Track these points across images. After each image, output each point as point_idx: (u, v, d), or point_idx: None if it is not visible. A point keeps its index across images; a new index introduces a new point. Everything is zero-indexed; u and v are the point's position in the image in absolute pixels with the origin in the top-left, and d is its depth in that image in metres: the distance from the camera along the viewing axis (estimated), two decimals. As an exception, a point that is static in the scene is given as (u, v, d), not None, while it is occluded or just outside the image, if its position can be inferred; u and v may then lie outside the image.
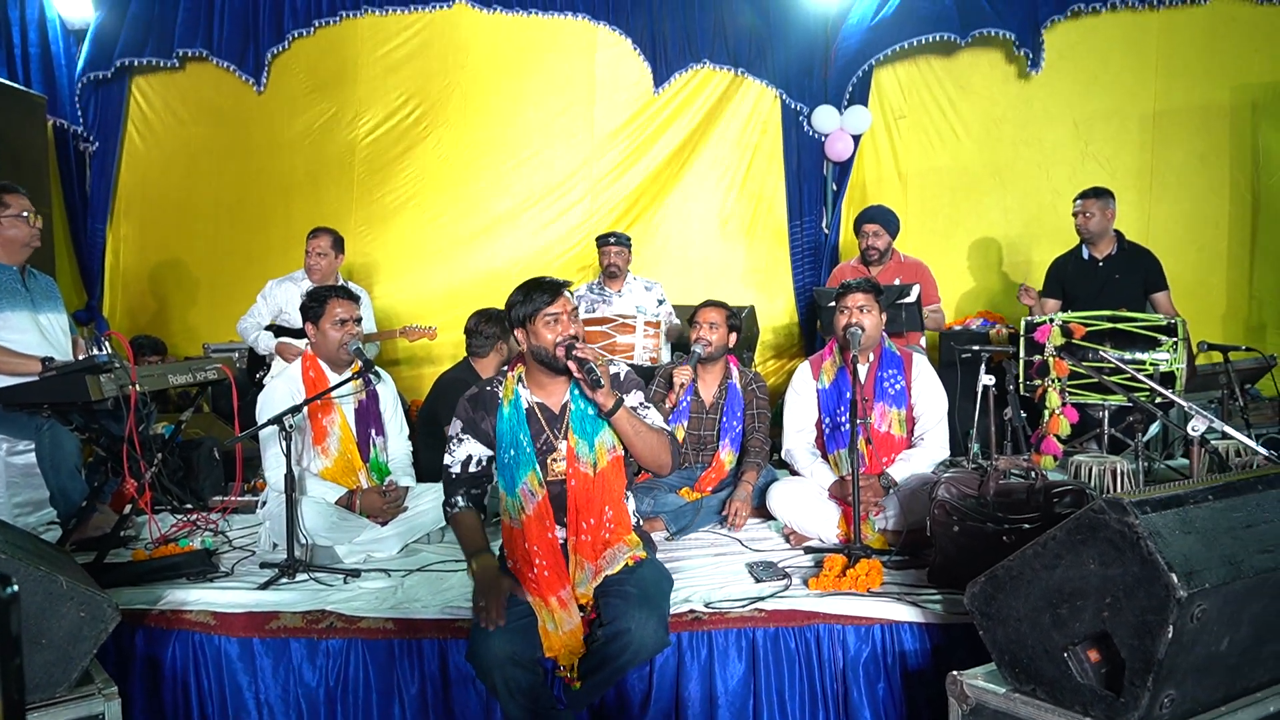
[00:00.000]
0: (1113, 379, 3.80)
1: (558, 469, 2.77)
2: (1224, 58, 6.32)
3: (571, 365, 2.64)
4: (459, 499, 2.86)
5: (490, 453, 2.85)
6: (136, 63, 6.46)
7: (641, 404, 2.89)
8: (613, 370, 2.91)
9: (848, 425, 3.51)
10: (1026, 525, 2.77)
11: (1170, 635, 1.77)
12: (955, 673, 2.20)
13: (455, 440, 2.87)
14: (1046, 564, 1.99)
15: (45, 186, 5.83)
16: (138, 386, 3.44)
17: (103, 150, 6.60)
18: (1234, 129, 6.39)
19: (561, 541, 2.75)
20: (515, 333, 2.79)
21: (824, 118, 6.50)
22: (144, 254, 6.85)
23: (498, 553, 2.87)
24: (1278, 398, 5.11)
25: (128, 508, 3.71)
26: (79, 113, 6.47)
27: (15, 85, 5.75)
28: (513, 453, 2.74)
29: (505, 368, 2.93)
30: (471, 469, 2.86)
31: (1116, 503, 1.85)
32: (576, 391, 2.78)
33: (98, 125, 6.58)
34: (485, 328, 4.27)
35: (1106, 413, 4.34)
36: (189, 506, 4.23)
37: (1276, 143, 6.29)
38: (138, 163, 6.74)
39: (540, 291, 2.73)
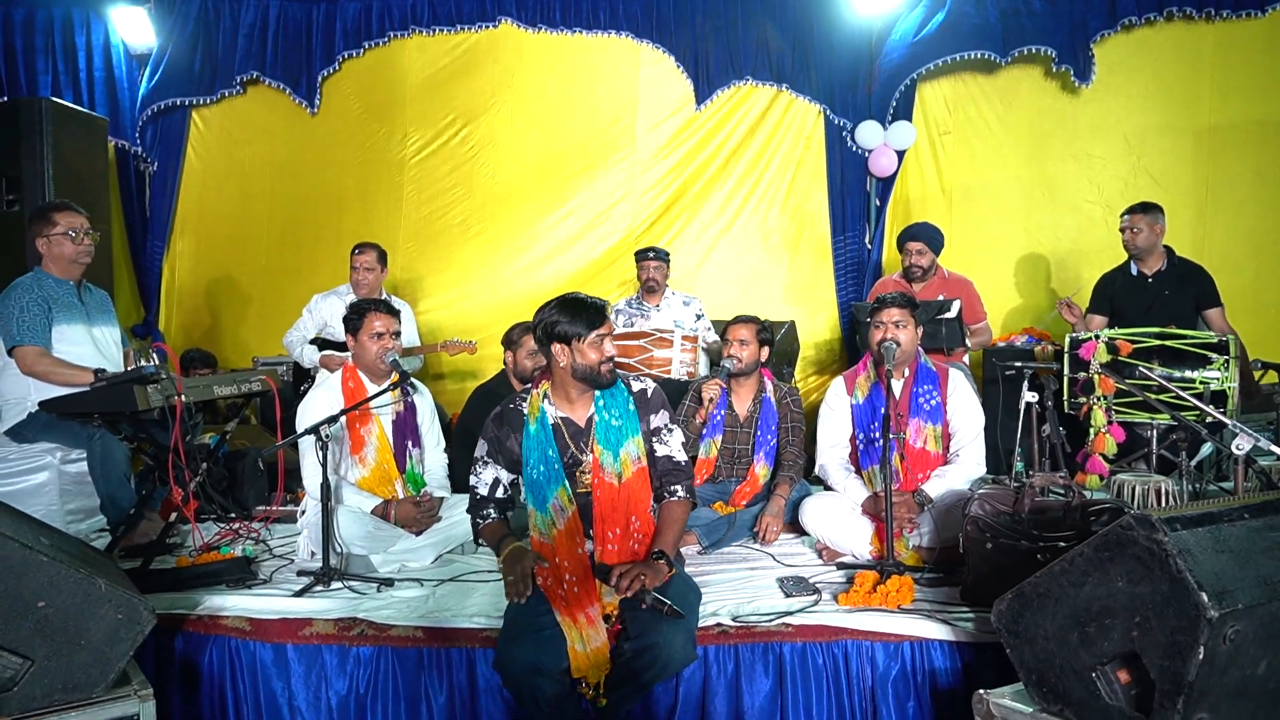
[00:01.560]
0: (1157, 397, 3.71)
1: (585, 481, 2.81)
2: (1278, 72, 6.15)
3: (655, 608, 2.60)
4: (491, 511, 2.93)
5: (513, 476, 2.90)
6: (197, 100, 6.69)
7: (665, 426, 2.93)
8: (637, 387, 2.93)
9: (881, 441, 3.47)
10: (1062, 544, 2.71)
11: (1201, 656, 1.72)
12: (982, 691, 2.16)
13: (481, 463, 2.93)
14: (1074, 581, 1.95)
15: (105, 205, 6.03)
16: (183, 397, 3.54)
17: (162, 171, 6.81)
18: (1290, 143, 6.21)
19: (590, 554, 2.76)
20: (553, 347, 2.81)
21: (867, 133, 6.46)
22: (199, 270, 7.04)
23: None
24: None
25: (173, 516, 3.81)
26: (138, 135, 6.69)
27: (78, 108, 5.96)
28: (542, 469, 2.78)
29: (529, 385, 2.95)
30: (499, 494, 2.93)
31: (1145, 519, 1.81)
32: (602, 402, 2.80)
33: (158, 147, 6.79)
34: (516, 335, 4.31)
35: (1155, 432, 4.23)
36: (232, 515, 4.32)
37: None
38: (194, 183, 6.94)
39: (589, 312, 2.77)
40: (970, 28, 6.22)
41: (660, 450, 2.92)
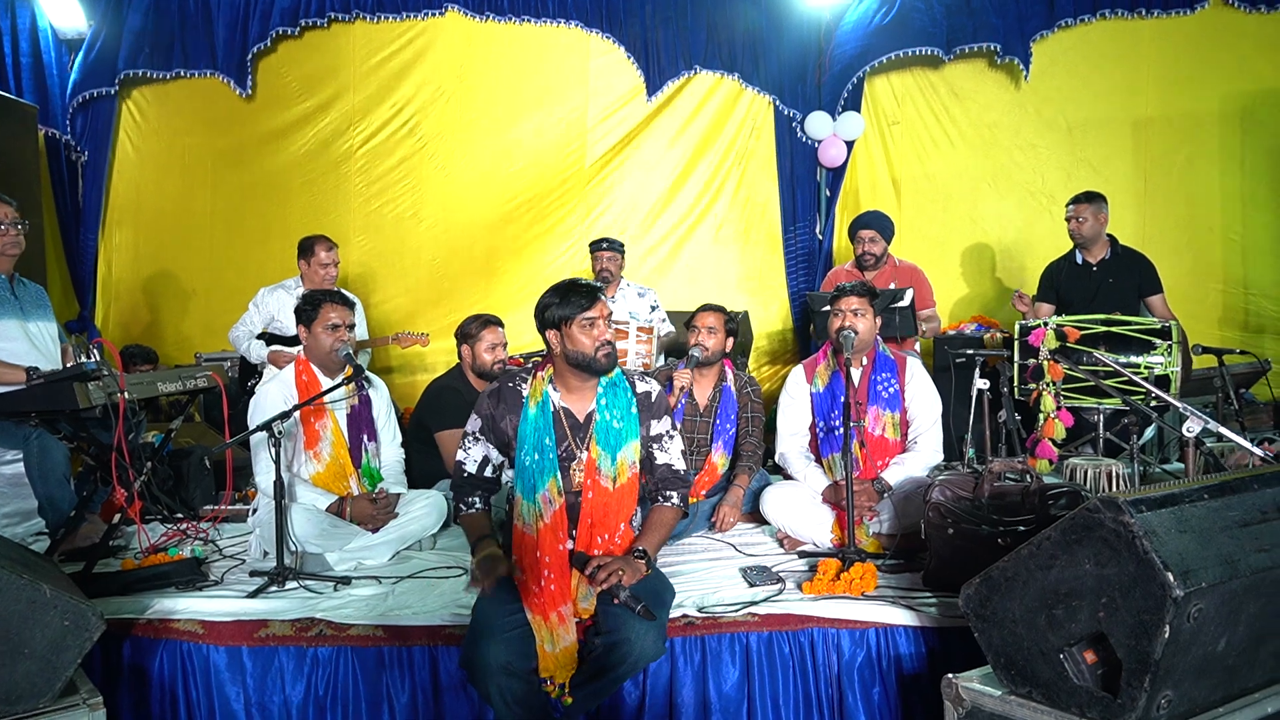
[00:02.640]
0: (1108, 382, 3.78)
1: (577, 479, 2.74)
2: (1214, 65, 6.35)
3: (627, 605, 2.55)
4: (476, 500, 2.83)
5: (503, 458, 2.81)
6: (133, 74, 6.44)
7: (667, 432, 2.89)
8: (642, 389, 2.87)
9: (841, 429, 3.49)
10: (1022, 528, 2.75)
11: (1167, 635, 1.75)
12: (950, 675, 2.18)
13: (471, 438, 2.82)
14: (1041, 564, 1.97)
15: (35, 196, 5.81)
16: (126, 394, 3.41)
17: (94, 160, 6.57)
18: (1223, 135, 6.41)
19: (569, 554, 2.71)
20: (547, 334, 2.76)
21: (817, 124, 6.50)
22: (137, 264, 6.82)
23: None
24: (1273, 402, 5.11)
25: (116, 517, 3.68)
26: (69, 123, 6.45)
27: (4, 94, 5.72)
28: (536, 456, 2.70)
29: (532, 366, 2.89)
30: (488, 473, 2.83)
31: (1111, 502, 1.83)
32: (604, 400, 2.75)
33: (88, 135, 6.55)
34: (474, 329, 4.25)
35: (1101, 416, 4.33)
36: (179, 515, 4.19)
37: (1263, 150, 6.31)
38: (130, 172, 6.72)
39: (578, 295, 2.71)
40: (918, 24, 6.31)
41: (660, 458, 2.87)
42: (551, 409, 2.75)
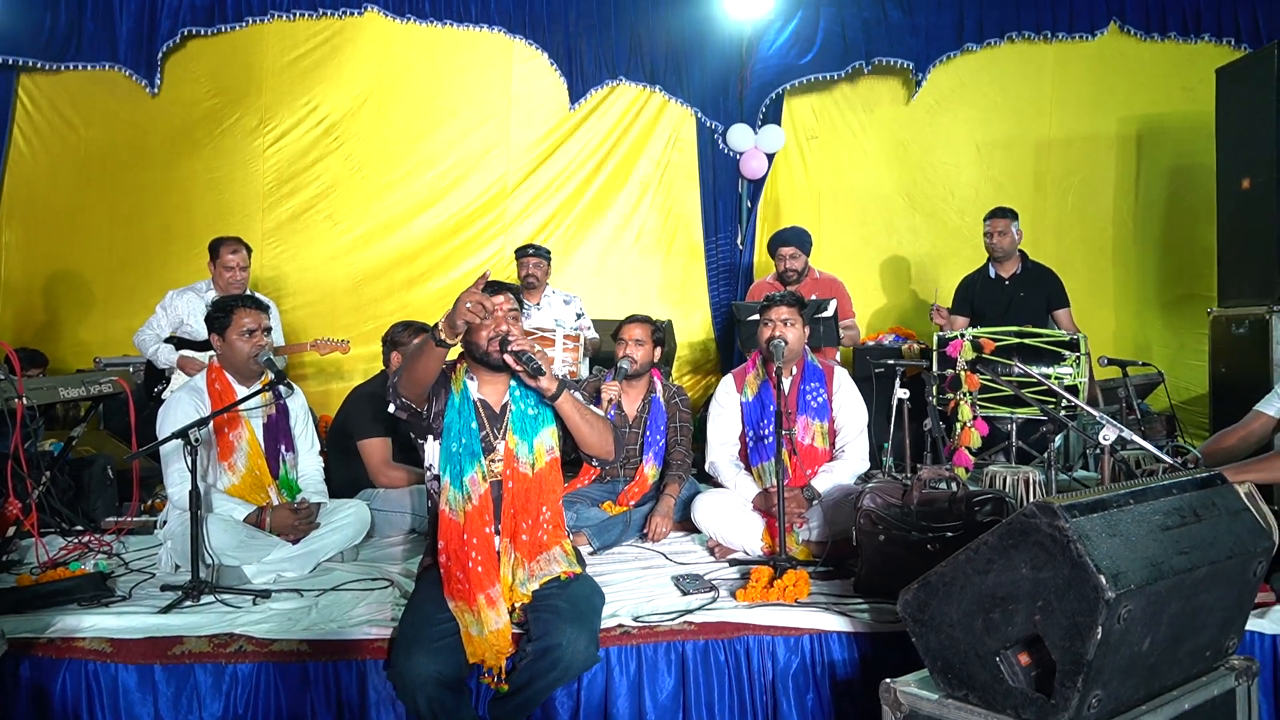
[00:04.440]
0: (1026, 391, 3.92)
1: (495, 469, 2.72)
2: (1112, 90, 6.69)
3: (508, 359, 2.58)
4: None
5: (418, 410, 2.71)
6: (23, 62, 6.09)
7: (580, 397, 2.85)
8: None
9: (771, 438, 3.52)
10: (950, 533, 2.82)
11: (1100, 636, 1.81)
12: (889, 680, 2.20)
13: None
14: (979, 569, 2.02)
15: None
16: (24, 400, 3.22)
17: (-16, 154, 6.21)
18: (1119, 158, 6.75)
19: (495, 542, 2.67)
20: None
21: (739, 136, 6.58)
22: (31, 263, 6.45)
23: (419, 565, 2.78)
24: (1167, 412, 5.38)
25: (11, 530, 3.46)
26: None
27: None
28: (464, 441, 2.67)
29: (454, 361, 2.83)
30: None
31: (1048, 507, 1.89)
32: (517, 392, 2.73)
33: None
34: (405, 338, 4.15)
35: (1014, 425, 4.48)
36: (80, 528, 3.97)
37: (1156, 173, 6.67)
38: (23, 167, 6.35)
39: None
40: (837, 49, 6.48)
41: None
42: (471, 399, 2.73)
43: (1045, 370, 4.30)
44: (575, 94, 6.58)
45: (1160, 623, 1.99)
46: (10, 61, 6.07)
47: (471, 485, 2.64)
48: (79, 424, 4.03)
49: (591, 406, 2.83)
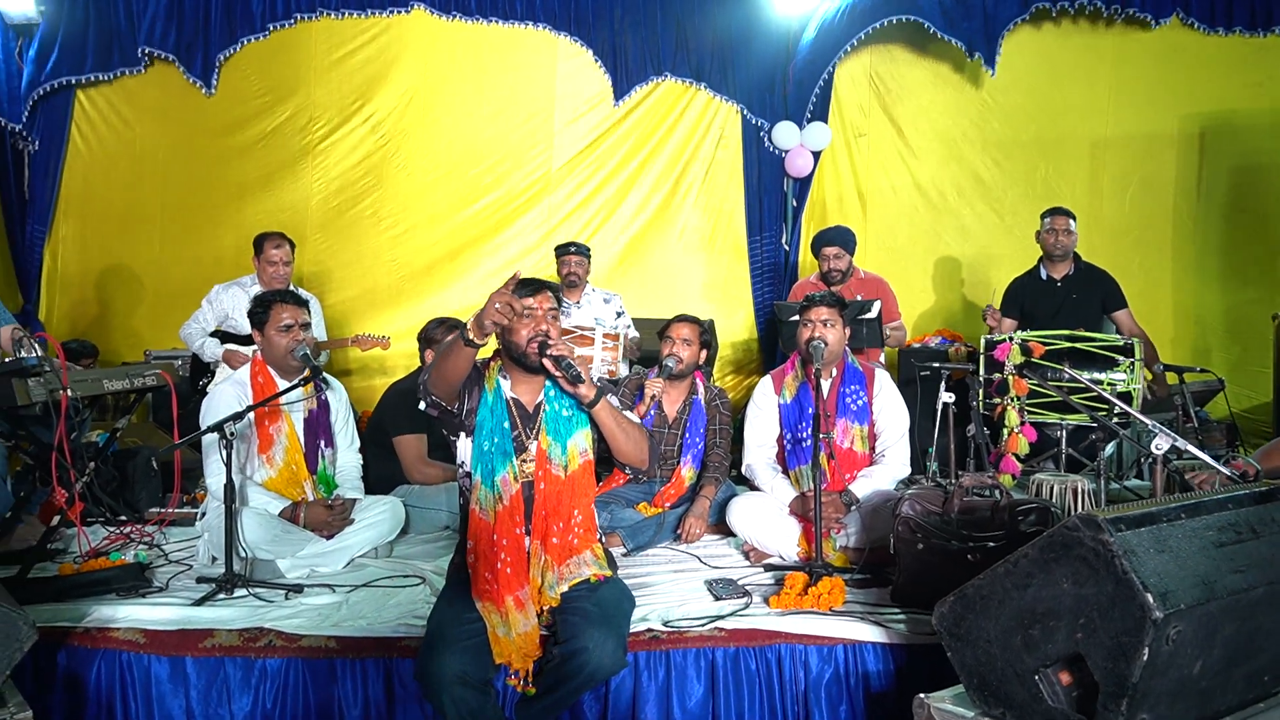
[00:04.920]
0: (1075, 398, 3.79)
1: (527, 470, 2.68)
2: (1172, 86, 6.44)
3: (547, 363, 2.55)
4: None
5: (449, 408, 2.68)
6: (81, 79, 6.27)
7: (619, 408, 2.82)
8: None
9: (809, 441, 3.45)
10: (991, 543, 2.73)
11: (1146, 658, 1.72)
12: (922, 696, 2.13)
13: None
14: (1018, 583, 1.93)
15: (-23, 185, 5.58)
16: (69, 392, 3.26)
17: (44, 150, 6.36)
18: (1180, 158, 6.51)
19: (526, 544, 2.64)
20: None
21: (784, 134, 6.49)
22: (86, 257, 6.60)
23: (449, 563, 2.76)
24: (1227, 420, 5.18)
25: (56, 519, 3.52)
26: (21, 112, 6.23)
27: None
28: (496, 440, 2.64)
29: (487, 359, 2.82)
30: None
31: (1091, 520, 1.80)
32: (552, 392, 2.69)
33: (40, 125, 6.34)
34: (440, 334, 4.15)
35: (1064, 432, 4.34)
36: (123, 518, 4.03)
37: (1219, 173, 6.42)
38: (80, 164, 6.51)
39: (522, 287, 2.64)
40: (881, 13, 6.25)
41: None
42: (504, 397, 2.69)
43: (1097, 376, 4.16)
44: (619, 91, 6.54)
45: (1213, 645, 1.89)
46: (71, 81, 6.22)
47: (503, 485, 2.61)
48: (124, 416, 4.08)
49: (629, 414, 2.77)
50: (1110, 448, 4.70)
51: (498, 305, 2.37)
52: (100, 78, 6.32)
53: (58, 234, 6.53)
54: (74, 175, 6.51)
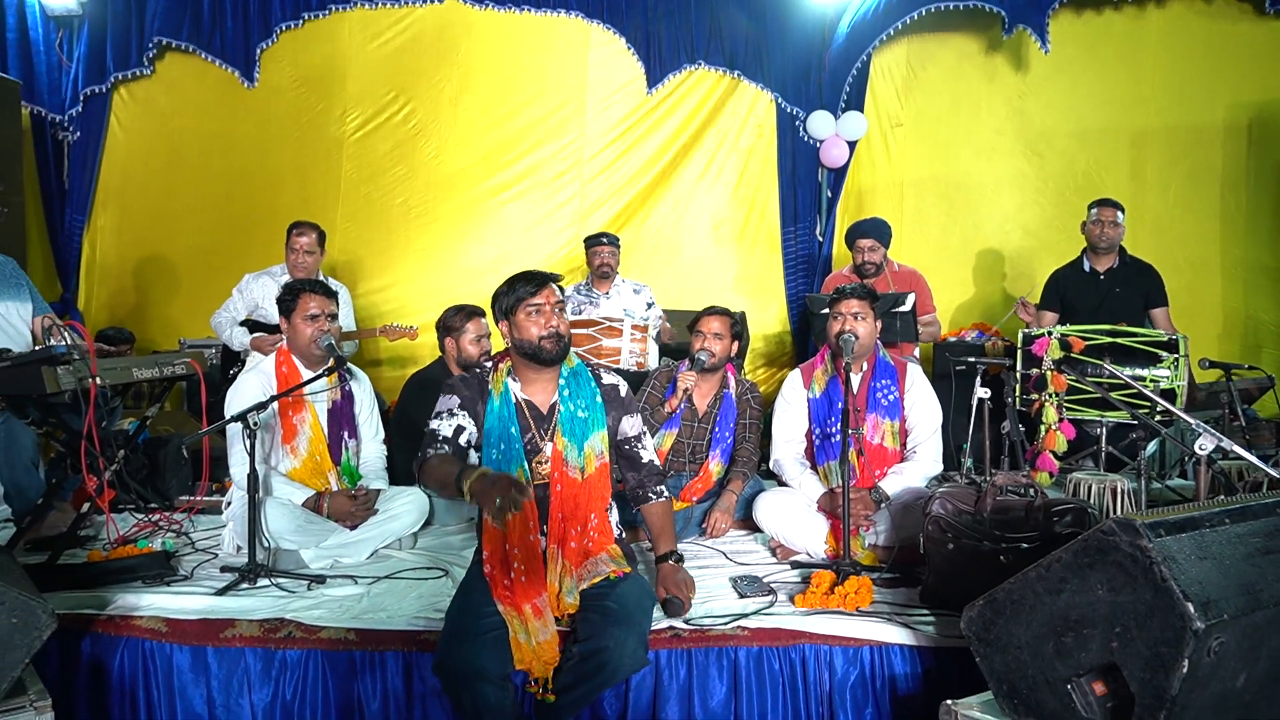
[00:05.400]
0: (1115, 394, 3.68)
1: (542, 471, 2.64)
2: (1220, 75, 6.24)
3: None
4: (445, 448, 2.58)
5: (477, 435, 2.67)
6: (132, 74, 6.37)
7: (643, 431, 2.85)
8: (608, 380, 2.81)
9: (838, 436, 3.38)
10: (1025, 545, 2.64)
11: (1185, 670, 1.64)
12: (949, 702, 2.06)
13: (448, 413, 2.66)
14: (1050, 588, 1.86)
15: (17, 174, 5.65)
16: (98, 380, 3.28)
17: (83, 141, 6.43)
18: (1227, 149, 6.31)
19: (541, 548, 2.61)
20: (500, 325, 2.68)
21: (819, 123, 6.39)
22: (123, 247, 6.67)
23: (472, 556, 2.73)
24: (1277, 419, 5.01)
25: (85, 506, 3.55)
26: (63, 103, 6.32)
27: (-13, 69, 5.58)
28: (503, 447, 2.60)
29: (494, 357, 2.79)
30: (461, 441, 2.65)
31: (1128, 524, 1.72)
32: (567, 391, 2.65)
33: (81, 116, 6.41)
34: (457, 322, 4.13)
35: (1104, 429, 4.22)
36: (153, 506, 4.06)
37: (1269, 165, 6.21)
38: (118, 154, 6.56)
39: (525, 282, 2.63)
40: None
41: (645, 455, 2.84)
42: (513, 400, 2.65)
43: (1139, 372, 4.04)
44: (653, 79, 6.48)
45: (1259, 657, 1.80)
46: (116, 78, 6.30)
47: None
48: (154, 404, 4.10)
49: (645, 457, 2.87)
50: (1152, 446, 4.57)
51: (499, 501, 2.15)
52: (141, 72, 6.38)
53: (96, 224, 6.60)
54: (112, 165, 6.57)
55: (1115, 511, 3.23)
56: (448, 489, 2.36)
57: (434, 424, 2.68)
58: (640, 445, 2.83)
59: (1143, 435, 3.78)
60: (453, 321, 4.09)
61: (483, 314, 4.14)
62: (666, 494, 2.87)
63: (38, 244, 6.41)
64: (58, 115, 6.34)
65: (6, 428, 3.54)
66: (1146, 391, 2.93)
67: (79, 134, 6.42)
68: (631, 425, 2.81)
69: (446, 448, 2.62)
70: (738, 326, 3.91)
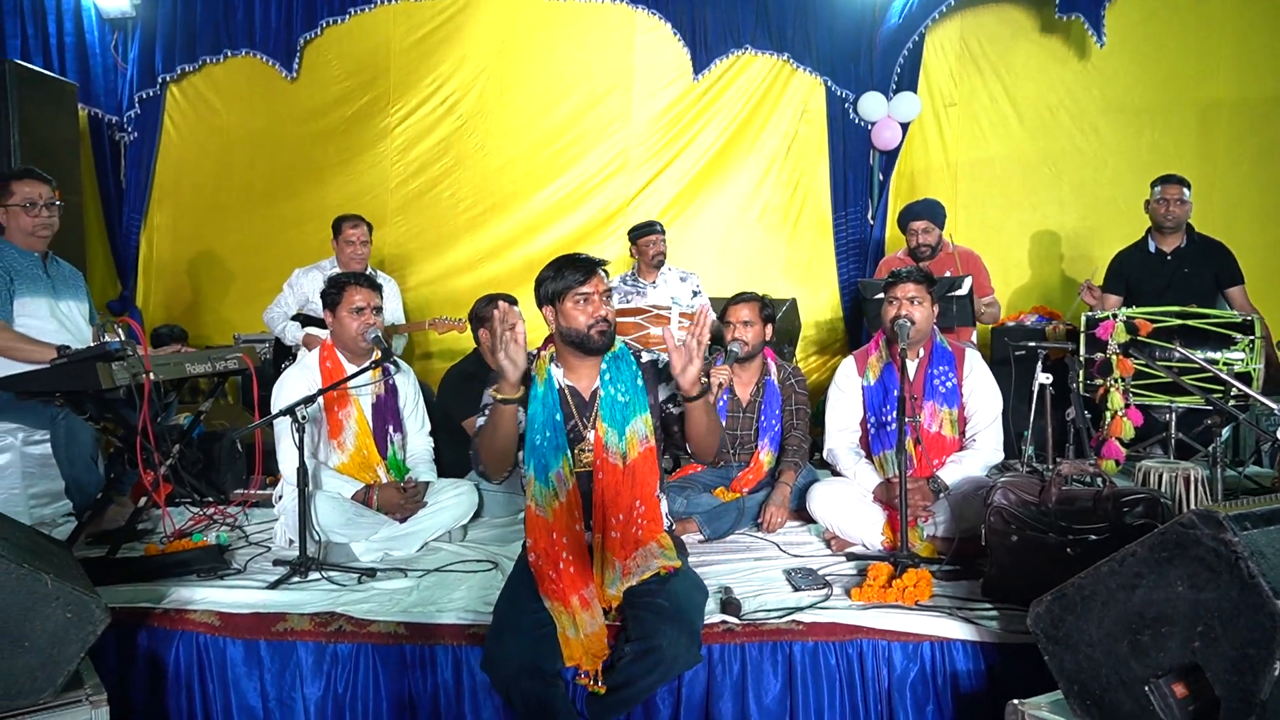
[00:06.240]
0: (1188, 379, 3.52)
1: (585, 459, 2.60)
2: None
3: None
4: None
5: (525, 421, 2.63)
6: (184, 69, 6.46)
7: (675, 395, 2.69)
8: (647, 358, 2.74)
9: (894, 425, 3.28)
10: (1093, 537, 2.52)
11: (1277, 672, 1.53)
12: (1016, 702, 1.97)
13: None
14: (1125, 584, 1.76)
15: (76, 175, 5.75)
16: (152, 375, 3.32)
17: (139, 141, 6.54)
18: (1302, 121, 6.03)
19: (587, 538, 2.56)
20: (544, 311, 2.63)
21: (870, 105, 6.24)
22: (178, 244, 6.77)
23: (520, 549, 2.69)
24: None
25: (143, 500, 3.60)
26: (119, 104, 6.44)
27: (45, 71, 5.66)
28: (548, 434, 2.56)
29: (537, 348, 2.75)
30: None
31: (1211, 517, 1.62)
32: (608, 376, 2.59)
33: (136, 116, 6.52)
34: (489, 310, 4.09)
35: (1173, 415, 4.05)
36: (208, 500, 4.10)
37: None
38: (171, 152, 6.66)
39: (573, 269, 2.57)
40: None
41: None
42: (558, 386, 2.60)
43: (1212, 355, 3.86)
44: (699, 65, 6.39)
45: (1353, 656, 1.69)
46: (168, 79, 6.41)
47: (558, 481, 2.53)
48: (208, 399, 4.15)
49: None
50: (1226, 432, 4.38)
51: (502, 332, 2.25)
52: (189, 69, 6.47)
53: (152, 222, 6.71)
54: (166, 164, 6.67)
55: (1189, 501, 3.09)
56: (497, 428, 2.43)
57: (479, 420, 2.64)
58: (670, 408, 2.70)
59: (1218, 421, 3.61)
60: (483, 311, 4.06)
61: (512, 300, 4.11)
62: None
63: (98, 243, 6.53)
64: (114, 116, 6.45)
65: (66, 424, 3.59)
66: (1222, 375, 2.79)
67: (135, 134, 6.52)
68: (665, 391, 2.70)
69: None
70: (768, 309, 3.80)
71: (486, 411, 2.55)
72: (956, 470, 3.28)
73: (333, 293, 3.45)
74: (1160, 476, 3.40)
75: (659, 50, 6.45)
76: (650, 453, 2.60)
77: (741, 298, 3.77)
